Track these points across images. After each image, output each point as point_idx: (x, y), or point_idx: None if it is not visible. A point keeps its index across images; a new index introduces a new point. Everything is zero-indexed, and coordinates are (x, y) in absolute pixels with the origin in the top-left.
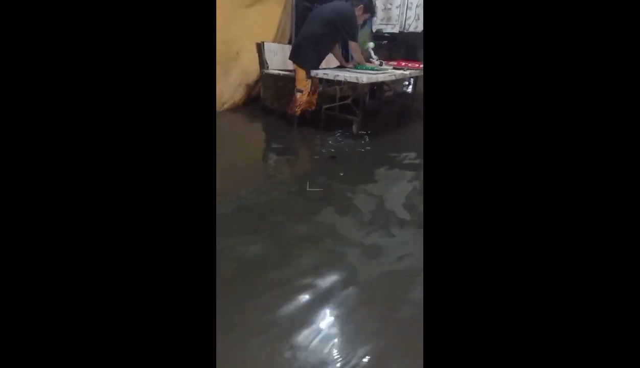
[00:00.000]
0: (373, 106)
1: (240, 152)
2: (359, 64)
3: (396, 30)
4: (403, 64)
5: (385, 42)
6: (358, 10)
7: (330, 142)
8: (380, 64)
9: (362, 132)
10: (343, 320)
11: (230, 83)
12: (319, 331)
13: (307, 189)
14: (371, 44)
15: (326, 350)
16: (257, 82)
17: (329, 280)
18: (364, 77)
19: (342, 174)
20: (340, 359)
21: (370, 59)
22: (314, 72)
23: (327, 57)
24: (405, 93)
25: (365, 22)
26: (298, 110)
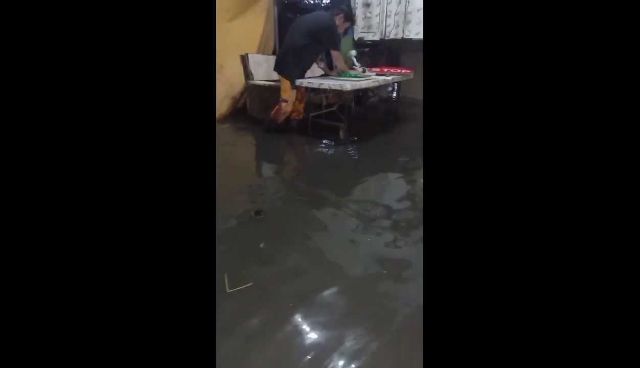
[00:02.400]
0: (359, 112)
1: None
2: (342, 71)
3: (377, 37)
4: (385, 70)
5: (367, 49)
6: (338, 20)
7: (317, 149)
8: (363, 71)
9: (350, 138)
10: None
11: (216, 96)
12: None
13: (228, 291)
14: (353, 52)
15: None
16: (242, 93)
17: None
18: (348, 84)
19: (261, 246)
20: None
21: (354, 67)
22: (298, 82)
23: (313, 66)
24: (390, 98)
25: (346, 31)
26: (281, 118)
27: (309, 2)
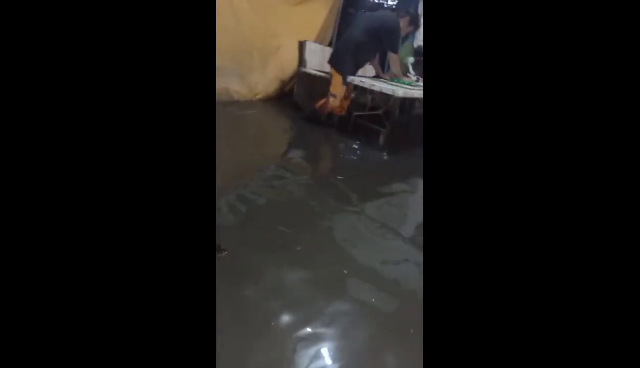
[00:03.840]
0: (402, 121)
1: (251, 145)
2: (396, 76)
3: None
4: None
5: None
6: (403, 22)
7: (353, 147)
8: (417, 80)
9: (388, 147)
10: None
11: (266, 76)
12: None
13: None
14: (411, 59)
15: None
16: (291, 78)
17: None
18: (400, 91)
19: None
20: None
21: (408, 74)
22: (350, 78)
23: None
24: None
25: (408, 36)
26: (325, 112)
27: (373, 1)
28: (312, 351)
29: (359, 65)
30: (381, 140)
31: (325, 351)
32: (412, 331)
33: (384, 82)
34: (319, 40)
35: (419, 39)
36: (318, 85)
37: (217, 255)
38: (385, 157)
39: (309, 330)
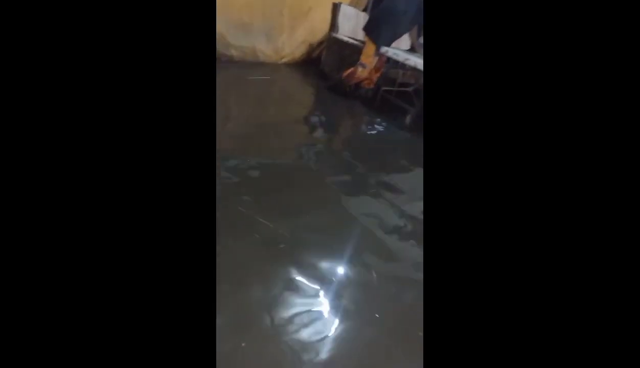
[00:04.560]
0: None
1: (272, 112)
2: None
3: None
4: None
5: None
6: None
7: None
8: None
9: (414, 127)
10: None
11: (295, 38)
12: None
13: None
14: None
15: None
16: (320, 43)
17: None
18: None
19: None
20: None
21: None
22: (383, 50)
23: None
24: None
25: None
26: (352, 82)
27: None
28: None
29: (396, 36)
30: (407, 119)
31: None
32: (419, 333)
33: (419, 57)
34: (354, 3)
35: None
36: (348, 53)
37: None
38: (410, 138)
39: None
